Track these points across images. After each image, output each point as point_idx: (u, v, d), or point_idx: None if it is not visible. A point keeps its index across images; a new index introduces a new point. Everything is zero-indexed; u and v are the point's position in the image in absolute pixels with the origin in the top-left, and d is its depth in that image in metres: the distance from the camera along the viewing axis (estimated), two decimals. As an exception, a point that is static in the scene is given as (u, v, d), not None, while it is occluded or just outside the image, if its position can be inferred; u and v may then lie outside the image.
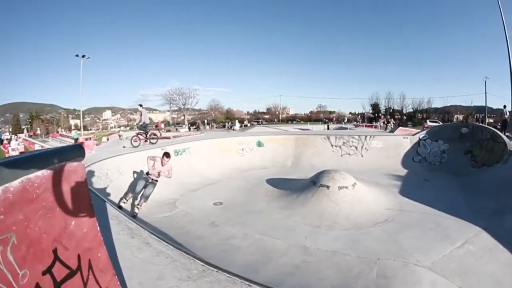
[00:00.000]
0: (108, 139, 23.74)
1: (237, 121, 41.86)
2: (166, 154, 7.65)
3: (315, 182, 8.55)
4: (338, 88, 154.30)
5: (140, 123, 13.00)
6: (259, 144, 13.96)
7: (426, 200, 8.53)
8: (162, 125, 37.94)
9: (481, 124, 19.60)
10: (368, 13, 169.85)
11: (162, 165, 7.65)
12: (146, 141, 12.61)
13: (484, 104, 44.02)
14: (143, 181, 7.51)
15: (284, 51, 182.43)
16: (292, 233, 6.53)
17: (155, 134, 13.56)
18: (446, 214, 7.55)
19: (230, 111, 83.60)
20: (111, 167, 9.06)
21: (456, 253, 5.77)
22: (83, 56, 37.04)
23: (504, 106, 17.82)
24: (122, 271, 2.45)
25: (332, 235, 6.41)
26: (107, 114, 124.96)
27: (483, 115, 42.79)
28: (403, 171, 12.26)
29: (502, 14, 22.75)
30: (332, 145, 13.56)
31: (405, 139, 14.10)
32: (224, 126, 44.50)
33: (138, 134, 12.72)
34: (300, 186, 8.87)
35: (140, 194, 7.42)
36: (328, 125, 34.75)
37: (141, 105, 13.10)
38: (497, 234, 6.51)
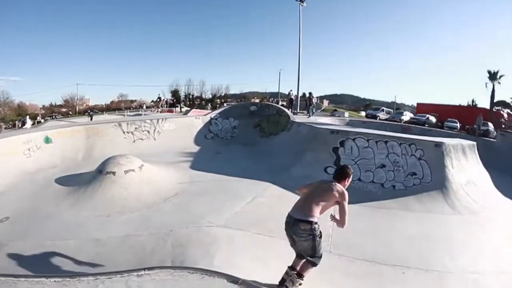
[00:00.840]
0: None
1: (28, 117, 33.77)
2: None
3: (101, 170, 8.33)
4: (140, 76, 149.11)
5: None
6: (47, 140, 11.56)
7: (217, 169, 9.81)
8: None
9: (271, 103, 24.90)
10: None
11: None
12: None
13: (278, 90, 59.54)
14: None
15: (80, 34, 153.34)
16: (83, 229, 6.19)
17: None
18: (236, 177, 8.88)
19: (22, 106, 65.51)
20: None
21: (248, 207, 6.86)
22: None
23: (291, 90, 26.77)
24: None
25: (123, 220, 6.49)
26: None
27: (277, 98, 54.57)
28: (196, 148, 13.53)
29: (300, 14, 29.44)
30: (124, 132, 13.04)
31: (197, 119, 15.52)
32: (14, 126, 34.55)
33: None
34: (88, 178, 8.45)
35: None
36: (91, 116, 33.44)
37: None
38: (285, 184, 8.23)
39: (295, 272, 3.73)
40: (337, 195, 3.75)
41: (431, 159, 9.30)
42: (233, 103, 40.10)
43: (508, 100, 55.98)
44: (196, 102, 60.17)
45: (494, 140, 20.23)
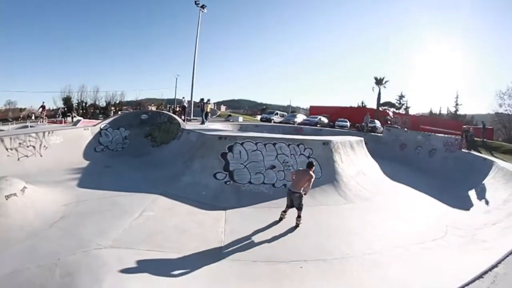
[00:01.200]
0: None
1: None
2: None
3: (-25, 200, 6.72)
4: (29, 81, 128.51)
5: None
6: None
7: (106, 185, 9.07)
8: None
9: (161, 111, 23.56)
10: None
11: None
12: None
13: (174, 97, 56.62)
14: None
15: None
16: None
17: None
18: (124, 192, 8.30)
19: None
20: None
21: (136, 223, 6.46)
22: None
23: (183, 97, 25.86)
24: None
25: (7, 254, 5.41)
26: None
27: (173, 105, 52.21)
28: (85, 163, 12.29)
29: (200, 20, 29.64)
30: (7, 149, 10.88)
31: (86, 130, 14.08)
32: None
33: None
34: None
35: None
36: None
37: None
38: (174, 195, 8.05)
39: (298, 215, 7.12)
40: (309, 176, 7.11)
41: (320, 157, 10.09)
42: (125, 111, 37.69)
43: (393, 101, 67.33)
44: (90, 111, 54.87)
45: (381, 134, 23.79)
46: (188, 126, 15.28)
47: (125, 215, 6.79)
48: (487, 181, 12.47)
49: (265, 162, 9.63)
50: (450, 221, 8.73)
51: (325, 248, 6.08)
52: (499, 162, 14.25)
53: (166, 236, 5.94)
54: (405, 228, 7.62)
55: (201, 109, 22.67)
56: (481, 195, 11.48)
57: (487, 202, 10.51)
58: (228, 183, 8.98)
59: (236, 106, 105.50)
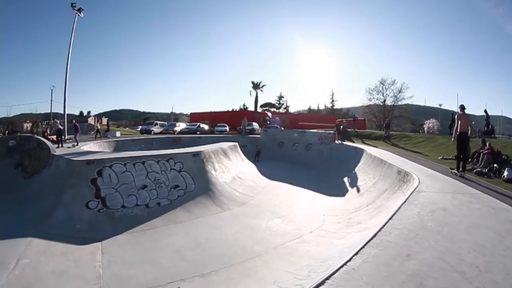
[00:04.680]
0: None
1: None
2: None
3: None
4: None
5: None
6: None
7: None
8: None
9: (30, 135, 20.69)
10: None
11: None
12: None
13: (50, 111, 50.59)
14: None
15: None
16: None
17: None
18: None
19: None
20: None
21: (13, 275, 5.94)
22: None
23: (54, 119, 24.95)
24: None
25: None
26: None
27: (50, 122, 46.33)
28: None
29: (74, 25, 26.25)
30: None
31: None
32: None
33: None
34: None
35: None
36: None
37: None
38: (48, 234, 7.63)
39: None
40: None
41: (191, 169, 10.57)
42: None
43: (273, 102, 73.77)
44: None
45: (259, 136, 25.74)
46: (59, 150, 14.37)
47: (0, 268, 6.15)
48: (358, 167, 14.54)
49: (136, 183, 9.66)
50: (328, 209, 9.92)
51: (202, 262, 6.27)
52: (368, 149, 16.74)
53: (44, 284, 5.71)
54: (283, 226, 8.27)
55: (75, 129, 21.08)
56: (354, 180, 13.31)
57: (359, 187, 12.18)
58: (101, 211, 8.89)
59: (118, 117, 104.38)
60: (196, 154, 11.05)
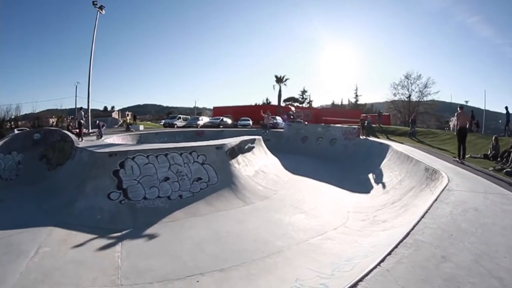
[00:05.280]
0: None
1: None
2: None
3: None
4: None
5: None
6: None
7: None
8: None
9: (55, 128, 22.39)
10: None
11: None
12: None
13: (75, 106, 51.59)
14: None
15: None
16: None
17: None
18: (19, 229, 7.92)
19: None
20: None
21: (32, 263, 6.19)
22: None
23: (80, 108, 25.08)
24: None
25: None
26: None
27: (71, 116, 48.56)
28: None
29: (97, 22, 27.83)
30: None
31: None
32: None
33: None
34: None
35: None
36: None
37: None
38: (68, 224, 7.90)
39: None
40: None
41: (214, 162, 10.55)
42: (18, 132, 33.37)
43: (296, 96, 73.86)
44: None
45: (282, 130, 25.71)
46: (82, 143, 14.77)
47: (21, 255, 6.48)
48: (384, 164, 14.11)
49: (158, 175, 9.74)
50: (352, 206, 9.65)
51: (222, 256, 6.21)
52: (393, 145, 16.32)
53: (63, 273, 5.83)
54: (306, 222, 8.11)
55: (97, 126, 21.60)
56: (379, 177, 12.91)
57: (385, 184, 11.80)
58: (122, 202, 9.02)
59: (142, 111, 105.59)
60: (219, 147, 11.03)
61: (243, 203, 9.38)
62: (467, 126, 13.29)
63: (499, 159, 12.52)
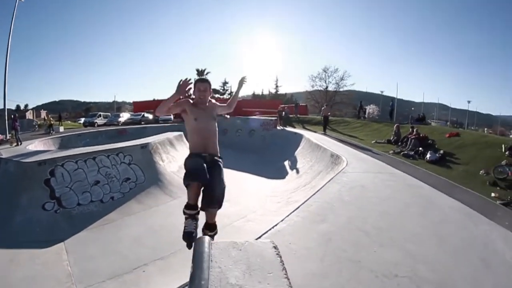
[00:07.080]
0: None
1: None
2: None
3: None
4: None
5: None
6: None
7: None
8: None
9: None
10: None
11: None
12: None
13: None
14: None
15: None
16: None
17: None
18: None
19: None
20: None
21: None
22: None
23: None
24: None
25: None
26: None
27: None
28: None
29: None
30: None
31: None
32: None
33: None
34: None
35: None
36: None
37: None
38: (11, 242, 7.70)
39: None
40: None
41: (140, 161, 11.04)
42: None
43: (218, 88, 74.29)
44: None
45: None
46: (4, 152, 13.59)
47: None
48: (298, 152, 15.91)
49: (88, 179, 9.86)
50: (270, 191, 11.01)
51: (160, 247, 7.00)
52: (306, 134, 18.38)
53: None
54: (230, 208, 8.99)
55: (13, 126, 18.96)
56: (294, 164, 14.62)
57: (298, 169, 13.46)
58: (58, 211, 8.99)
59: (58, 108, 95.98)
60: (144, 146, 11.51)
61: (171, 198, 10.09)
62: (328, 115, 22.30)
63: (399, 143, 15.06)
